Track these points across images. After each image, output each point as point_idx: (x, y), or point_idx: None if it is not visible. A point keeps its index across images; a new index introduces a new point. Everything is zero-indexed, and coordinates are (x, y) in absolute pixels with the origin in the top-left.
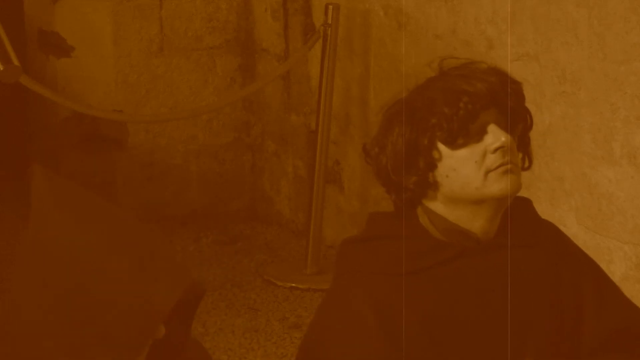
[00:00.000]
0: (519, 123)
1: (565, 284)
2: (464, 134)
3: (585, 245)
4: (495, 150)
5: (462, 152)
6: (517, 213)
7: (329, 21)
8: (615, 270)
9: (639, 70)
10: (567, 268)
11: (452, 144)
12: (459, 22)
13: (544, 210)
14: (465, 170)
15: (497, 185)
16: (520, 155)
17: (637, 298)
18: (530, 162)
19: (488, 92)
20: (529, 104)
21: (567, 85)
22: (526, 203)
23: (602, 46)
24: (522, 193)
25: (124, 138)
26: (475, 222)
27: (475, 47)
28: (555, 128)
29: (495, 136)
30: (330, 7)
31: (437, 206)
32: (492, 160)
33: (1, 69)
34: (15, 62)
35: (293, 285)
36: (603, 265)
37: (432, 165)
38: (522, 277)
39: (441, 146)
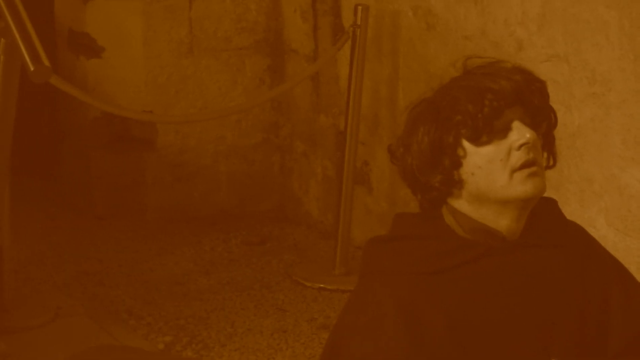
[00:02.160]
0: (543, 121)
1: (592, 285)
2: (488, 131)
3: (615, 247)
4: (520, 146)
5: (487, 149)
6: (543, 213)
7: (358, 22)
8: None
9: None
10: (593, 269)
11: (477, 141)
12: (488, 23)
13: (573, 211)
14: (491, 168)
15: (522, 187)
16: (545, 154)
17: None
18: (555, 161)
19: (512, 90)
20: (558, 105)
21: (597, 87)
22: (552, 204)
23: (633, 47)
24: (551, 194)
25: (154, 139)
26: (501, 222)
27: (504, 48)
28: (585, 129)
29: (520, 133)
30: (360, 8)
31: (462, 205)
32: (517, 157)
33: (32, 69)
34: (46, 62)
35: (321, 286)
36: (633, 267)
37: (457, 163)
38: (548, 277)
39: (466, 144)
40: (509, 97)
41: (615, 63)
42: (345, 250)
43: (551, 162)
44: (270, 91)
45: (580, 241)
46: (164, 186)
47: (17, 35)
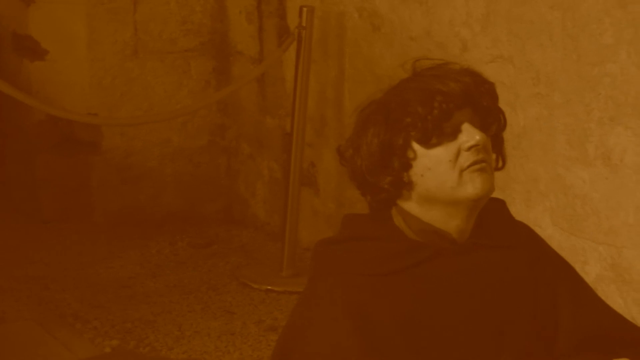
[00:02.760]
0: (492, 123)
1: (542, 285)
2: (438, 133)
3: (560, 246)
4: (470, 148)
5: (437, 151)
6: (491, 214)
7: (304, 23)
8: (590, 271)
9: (613, 71)
10: (542, 269)
11: (427, 143)
12: (433, 24)
13: (519, 211)
14: (440, 169)
15: (471, 186)
16: (494, 155)
17: (612, 299)
18: (504, 162)
19: (462, 92)
20: (503, 106)
21: (542, 87)
22: (500, 204)
23: (576, 48)
24: (497, 194)
25: (99, 141)
26: (451, 223)
27: (449, 49)
28: (530, 129)
29: (469, 134)
30: (305, 9)
31: (411, 207)
32: (466, 157)
33: None
34: None
35: (269, 287)
36: (578, 266)
37: (407, 165)
38: (498, 278)
39: (416, 145)
40: (458, 99)
41: (559, 63)
42: (293, 252)
43: (500, 164)
44: (216, 93)
45: (529, 241)
46: (110, 189)
47: None
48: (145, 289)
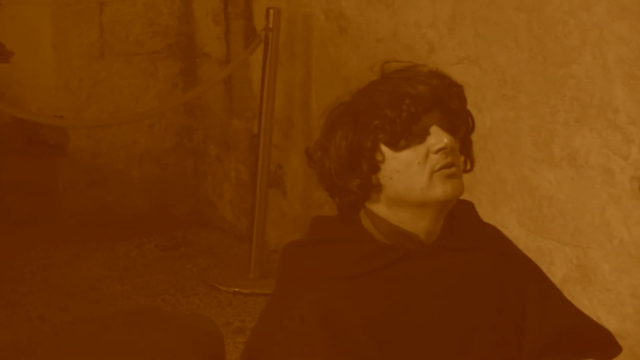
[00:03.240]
0: (461, 126)
1: (509, 286)
2: (406, 135)
3: (526, 247)
4: (438, 151)
5: (405, 154)
6: (460, 216)
7: (270, 25)
8: (556, 271)
9: (578, 73)
10: (510, 271)
11: (395, 146)
12: (399, 26)
13: (485, 213)
14: (409, 172)
15: (441, 188)
16: (462, 157)
17: (578, 299)
18: (472, 164)
19: (430, 95)
20: (470, 107)
21: (508, 89)
22: (468, 206)
23: (542, 49)
24: (464, 196)
25: (65, 143)
26: (419, 225)
27: (416, 50)
28: (496, 131)
29: (437, 137)
30: (272, 11)
31: (380, 209)
32: (435, 160)
33: None
34: None
35: (236, 290)
36: (544, 267)
37: (376, 167)
38: (466, 280)
39: (384, 148)
40: (426, 101)
41: (525, 65)
42: (260, 254)
43: (468, 166)
44: (183, 95)
45: (496, 243)
46: (77, 191)
47: None
48: (112, 292)
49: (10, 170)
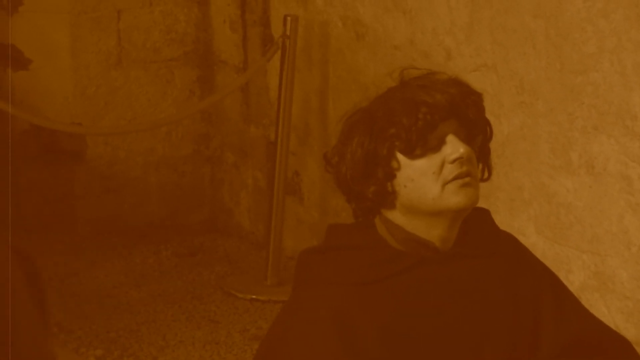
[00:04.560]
0: (478, 134)
1: (523, 294)
2: (422, 144)
3: (544, 254)
4: (454, 161)
5: (421, 162)
6: (475, 223)
7: (288, 32)
8: (574, 279)
9: (596, 80)
10: (525, 279)
11: (411, 154)
12: (417, 33)
13: (502, 220)
14: (423, 181)
15: (454, 198)
16: (480, 166)
17: (596, 307)
18: (490, 173)
19: (447, 103)
20: (487, 114)
21: (525, 96)
22: (484, 214)
23: (559, 56)
24: (481, 203)
25: (83, 151)
26: (433, 232)
27: (433, 57)
28: (514, 138)
29: (453, 147)
30: (289, 18)
31: (395, 216)
32: (450, 170)
33: None
34: None
35: (253, 297)
36: (562, 275)
37: (391, 175)
38: (480, 288)
39: (400, 156)
40: (443, 110)
41: (542, 72)
42: (277, 261)
43: (486, 175)
44: (200, 102)
45: (512, 250)
46: (94, 198)
47: None
48: (129, 299)
49: (28, 177)
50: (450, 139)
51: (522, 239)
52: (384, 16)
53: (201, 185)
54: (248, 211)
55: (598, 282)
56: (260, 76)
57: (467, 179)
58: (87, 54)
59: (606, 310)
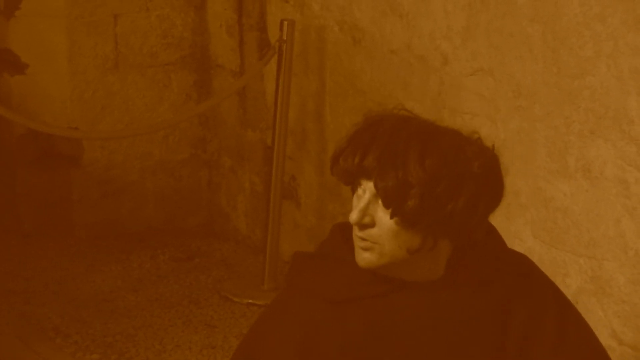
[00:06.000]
0: (404, 202)
1: (515, 324)
2: (352, 188)
3: (541, 259)
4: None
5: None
6: (477, 248)
7: (284, 37)
8: (571, 283)
9: (593, 84)
10: (521, 306)
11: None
12: (413, 38)
13: (499, 224)
14: None
15: (356, 256)
16: (411, 234)
17: (593, 311)
18: (435, 244)
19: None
20: (484, 119)
21: (522, 100)
22: (492, 237)
23: (556, 61)
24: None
25: (80, 155)
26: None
27: (430, 62)
28: (510, 142)
29: (353, 209)
30: (286, 23)
31: None
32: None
33: None
34: None
35: (250, 301)
36: (559, 279)
37: None
38: (462, 318)
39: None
40: (363, 171)
41: (539, 76)
42: (274, 265)
43: (430, 245)
44: (197, 106)
45: (513, 277)
46: (91, 203)
47: None
48: (126, 303)
49: (25, 181)
50: (355, 198)
51: (519, 244)
52: (381, 21)
53: (198, 190)
54: (245, 215)
55: (595, 286)
56: (257, 80)
57: (361, 244)
58: (84, 58)
59: (603, 314)
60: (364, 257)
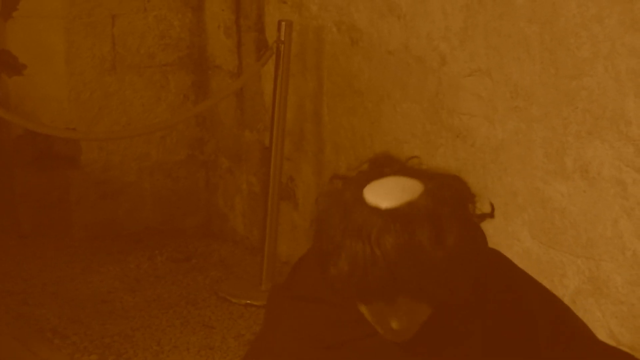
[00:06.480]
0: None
1: (511, 353)
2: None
3: (538, 259)
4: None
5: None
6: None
7: (282, 38)
8: (569, 284)
9: (590, 85)
10: (519, 335)
11: None
12: (411, 38)
13: (497, 225)
14: None
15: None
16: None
17: (590, 312)
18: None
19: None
20: (481, 119)
21: (520, 100)
22: (496, 260)
23: (554, 61)
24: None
25: (77, 156)
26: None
27: (428, 62)
28: (508, 143)
29: (390, 318)
30: (283, 23)
31: None
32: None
33: None
34: None
35: (248, 302)
36: (556, 280)
37: None
38: (455, 352)
39: None
40: (370, 294)
41: (537, 77)
42: (272, 266)
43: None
44: (195, 107)
45: (510, 304)
46: (89, 203)
47: None
48: (124, 304)
49: (22, 182)
50: (369, 309)
51: (517, 244)
52: (379, 21)
53: (196, 190)
54: (243, 216)
55: (592, 287)
56: (254, 81)
57: (398, 337)
58: (82, 59)
59: (601, 315)
60: (403, 338)
